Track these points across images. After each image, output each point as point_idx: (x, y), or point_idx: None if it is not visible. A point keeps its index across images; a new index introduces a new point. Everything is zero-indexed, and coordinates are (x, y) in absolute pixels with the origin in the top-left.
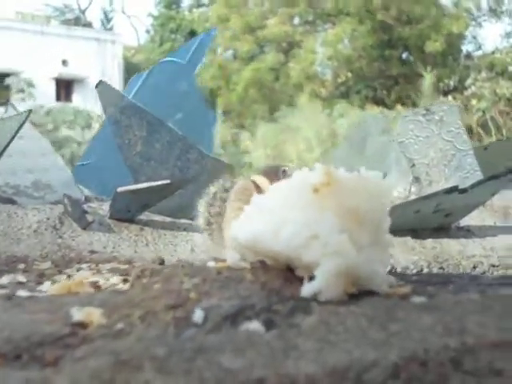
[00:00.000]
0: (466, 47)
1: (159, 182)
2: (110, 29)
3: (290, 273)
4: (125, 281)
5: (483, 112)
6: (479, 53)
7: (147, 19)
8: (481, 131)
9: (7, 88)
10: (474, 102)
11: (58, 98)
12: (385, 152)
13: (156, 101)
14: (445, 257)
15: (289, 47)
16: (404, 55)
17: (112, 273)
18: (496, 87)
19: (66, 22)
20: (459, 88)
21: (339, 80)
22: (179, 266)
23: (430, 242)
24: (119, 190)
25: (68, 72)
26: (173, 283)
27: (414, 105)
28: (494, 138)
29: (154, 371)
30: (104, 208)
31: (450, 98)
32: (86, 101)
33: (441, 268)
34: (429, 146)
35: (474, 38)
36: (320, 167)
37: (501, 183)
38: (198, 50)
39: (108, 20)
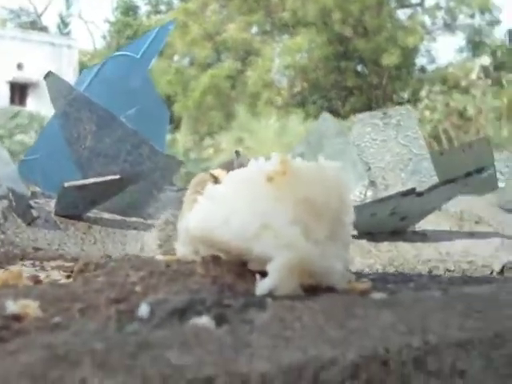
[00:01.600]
0: (420, 60)
1: (108, 178)
2: (67, 33)
3: (242, 267)
4: (68, 277)
5: (436, 124)
6: (433, 66)
7: (104, 25)
8: (433, 142)
9: None
10: (427, 113)
11: (13, 102)
12: (341, 154)
13: (107, 95)
14: (400, 261)
15: (246, 55)
16: (359, 67)
17: (56, 269)
18: (449, 100)
19: (22, 26)
20: (412, 100)
21: (295, 89)
22: (125, 259)
23: (385, 245)
24: (66, 185)
25: (23, 76)
26: (117, 276)
27: None
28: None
29: (92, 367)
30: (51, 204)
31: None
32: (40, 105)
33: (396, 272)
34: (385, 150)
35: (428, 51)
36: (276, 156)
37: (457, 187)
38: (153, 44)
39: (65, 25)
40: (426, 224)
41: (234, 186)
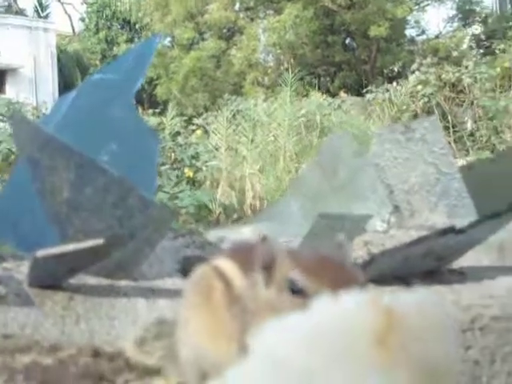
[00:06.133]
0: (410, 32)
1: (90, 242)
2: (46, 17)
3: None
4: None
5: (428, 98)
6: (423, 38)
7: (82, 6)
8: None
9: None
10: (419, 87)
11: None
12: (359, 176)
13: (85, 127)
14: None
15: (230, 34)
16: (347, 41)
17: (28, 381)
18: (441, 72)
19: None
20: (403, 74)
21: (282, 67)
22: None
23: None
24: (38, 254)
25: (0, 62)
26: None
27: (358, 92)
28: (440, 124)
29: None
30: (22, 269)
31: (394, 84)
32: (19, 92)
33: None
34: (409, 170)
35: (417, 22)
36: (362, 295)
37: (502, 221)
38: (138, 63)
39: (42, 8)
40: (462, 259)
41: (309, 346)
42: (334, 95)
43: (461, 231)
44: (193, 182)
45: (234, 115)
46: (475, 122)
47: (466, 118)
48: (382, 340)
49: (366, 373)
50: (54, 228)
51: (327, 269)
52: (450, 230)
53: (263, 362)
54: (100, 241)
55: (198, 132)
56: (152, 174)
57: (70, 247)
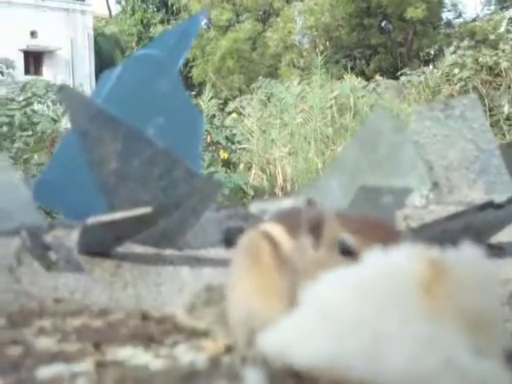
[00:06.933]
0: (446, 15)
1: (138, 211)
2: None
3: None
4: (99, 365)
5: (465, 81)
6: (460, 21)
7: None
8: None
9: None
10: (456, 71)
11: (27, 72)
12: (399, 153)
13: (131, 103)
14: None
15: (267, 16)
16: (383, 24)
17: (81, 340)
18: (478, 56)
19: None
20: (440, 57)
21: (317, 50)
22: (176, 376)
23: None
24: (88, 222)
25: (37, 44)
26: None
27: (394, 75)
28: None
29: None
30: (72, 237)
31: (430, 67)
32: (56, 74)
33: None
34: (448, 147)
35: (454, 5)
36: (411, 250)
37: None
38: (182, 39)
39: None
40: (501, 234)
41: (361, 296)
42: (369, 78)
43: (499, 206)
44: (228, 164)
45: (268, 98)
46: None
47: (503, 102)
48: (429, 290)
49: (414, 321)
50: (102, 198)
51: (375, 230)
52: (489, 205)
53: (315, 312)
54: (147, 209)
55: (234, 115)
56: (197, 149)
57: (119, 215)
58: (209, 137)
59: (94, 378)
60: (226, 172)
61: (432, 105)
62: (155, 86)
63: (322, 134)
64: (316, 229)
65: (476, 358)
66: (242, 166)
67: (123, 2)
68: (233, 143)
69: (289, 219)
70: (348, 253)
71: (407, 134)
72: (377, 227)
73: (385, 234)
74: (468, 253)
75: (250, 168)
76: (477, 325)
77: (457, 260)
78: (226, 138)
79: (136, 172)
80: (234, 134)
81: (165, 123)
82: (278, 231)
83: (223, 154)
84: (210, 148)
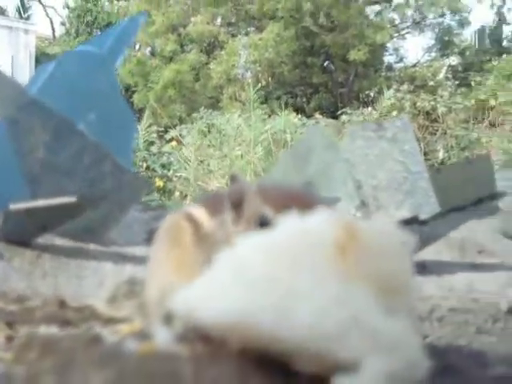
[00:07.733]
0: (388, 59)
1: (63, 199)
2: (28, 18)
3: (269, 364)
4: (8, 339)
5: None
6: (401, 65)
7: (64, 11)
8: None
9: None
10: (394, 113)
11: None
12: (329, 170)
13: (65, 97)
14: None
15: (211, 48)
16: (326, 63)
17: None
18: (416, 100)
19: None
20: (379, 99)
21: (260, 84)
22: (83, 340)
23: None
24: (12, 207)
25: None
26: (73, 376)
27: (333, 115)
28: (411, 124)
29: None
30: None
31: (369, 108)
32: None
33: None
34: (379, 167)
35: (396, 49)
36: (327, 212)
37: (464, 216)
38: (121, 38)
39: (25, 9)
40: (424, 252)
41: (275, 256)
42: (309, 116)
43: (424, 222)
44: (163, 192)
45: (208, 129)
46: (447, 151)
47: (439, 147)
48: (342, 251)
49: (326, 280)
50: (27, 188)
51: (295, 202)
52: (414, 220)
53: (227, 272)
54: (72, 198)
55: (173, 143)
56: (128, 147)
57: (42, 202)
58: (144, 163)
59: (3, 344)
60: (160, 199)
61: (365, 125)
62: (90, 81)
63: (256, 167)
64: (237, 205)
65: (387, 319)
66: (177, 194)
67: (67, 25)
68: (169, 170)
69: (212, 201)
70: (267, 226)
71: (339, 152)
72: (298, 200)
73: (305, 206)
74: (381, 221)
75: (185, 197)
76: (388, 287)
77: (370, 226)
78: (163, 165)
79: (63, 163)
80: (171, 162)
81: (97, 119)
82: (199, 212)
83: (158, 182)
84: (146, 175)
